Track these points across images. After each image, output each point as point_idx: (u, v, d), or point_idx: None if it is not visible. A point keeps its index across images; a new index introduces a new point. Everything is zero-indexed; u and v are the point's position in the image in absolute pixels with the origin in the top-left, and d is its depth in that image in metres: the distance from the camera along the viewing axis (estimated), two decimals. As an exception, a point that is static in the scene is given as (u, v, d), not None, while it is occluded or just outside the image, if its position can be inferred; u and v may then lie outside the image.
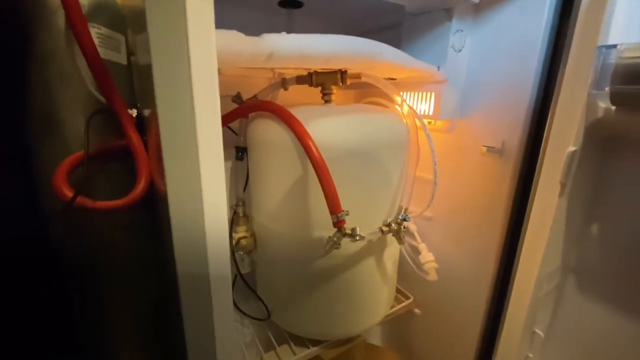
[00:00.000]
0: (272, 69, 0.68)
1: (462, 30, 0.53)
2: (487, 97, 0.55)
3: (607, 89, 0.34)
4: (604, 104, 0.37)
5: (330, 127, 0.47)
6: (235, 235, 0.58)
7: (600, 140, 0.40)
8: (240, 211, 0.59)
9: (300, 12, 0.65)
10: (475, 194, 0.58)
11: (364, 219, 0.49)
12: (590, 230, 0.44)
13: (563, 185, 0.41)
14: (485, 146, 0.55)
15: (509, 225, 0.54)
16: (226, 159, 0.61)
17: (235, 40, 0.34)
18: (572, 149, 0.40)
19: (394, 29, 0.63)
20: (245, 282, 0.58)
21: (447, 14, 0.52)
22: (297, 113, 0.47)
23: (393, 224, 0.48)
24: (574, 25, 0.42)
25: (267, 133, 0.50)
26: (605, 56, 0.34)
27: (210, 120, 0.27)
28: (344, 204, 0.44)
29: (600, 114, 0.38)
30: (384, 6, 0.57)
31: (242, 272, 0.58)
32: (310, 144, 0.43)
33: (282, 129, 0.48)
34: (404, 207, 0.51)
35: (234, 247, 0.57)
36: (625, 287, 0.44)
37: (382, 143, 0.50)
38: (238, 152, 0.58)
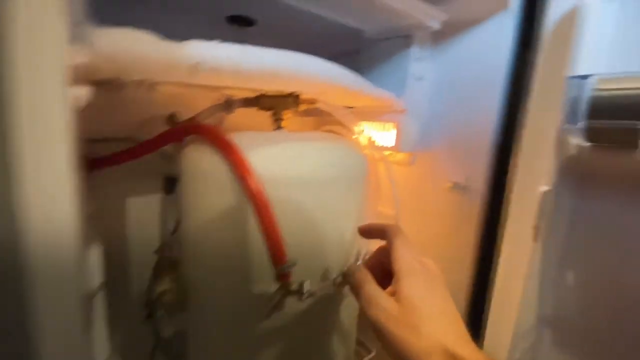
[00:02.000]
0: (217, 88, 0.61)
1: (422, 59, 0.50)
2: (450, 129, 0.51)
3: (581, 124, 0.31)
4: (577, 141, 0.34)
5: (276, 156, 0.40)
6: (157, 288, 0.46)
7: (575, 179, 0.36)
8: (165, 257, 0.48)
9: (253, 32, 0.60)
10: (441, 233, 0.52)
11: (316, 267, 0.40)
12: (565, 278, 0.40)
13: (537, 229, 0.37)
14: (451, 182, 0.50)
15: (477, 271, 0.49)
16: (154, 191, 0.51)
17: (144, 43, 0.26)
18: (545, 188, 0.36)
19: (355, 56, 0.59)
20: (166, 353, 0.46)
21: (406, 41, 0.49)
22: (238, 139, 0.39)
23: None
24: (538, 54, 0.40)
25: (201, 161, 0.41)
26: (579, 88, 0.31)
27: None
28: (292, 250, 0.36)
29: (573, 151, 0.35)
30: (343, 30, 0.53)
31: (164, 335, 0.46)
32: (248, 176, 0.35)
33: (219, 157, 0.39)
34: (364, 251, 0.44)
35: (154, 304, 0.45)
36: (607, 342, 0.39)
37: (337, 176, 0.43)
38: (167, 183, 0.48)
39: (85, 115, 0.45)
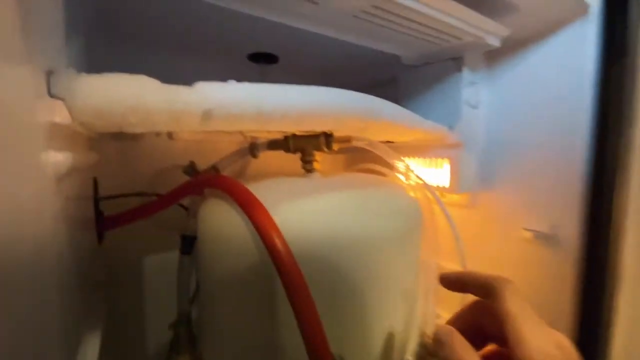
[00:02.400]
0: (241, 132, 0.56)
1: (475, 82, 0.42)
2: (519, 164, 0.41)
3: None
4: None
5: (311, 211, 0.32)
6: (173, 372, 0.38)
7: None
8: (182, 331, 0.40)
9: (276, 69, 0.55)
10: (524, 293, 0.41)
11: (368, 357, 0.31)
12: None
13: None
14: (529, 230, 0.40)
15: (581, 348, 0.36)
16: (172, 248, 0.45)
17: (142, 90, 0.20)
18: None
19: (389, 85, 0.52)
20: None
21: (456, 63, 0.42)
22: (264, 190, 0.32)
23: (414, 368, 0.30)
24: (635, 69, 0.31)
25: (218, 220, 0.35)
26: None
27: None
28: (335, 338, 0.27)
29: None
30: (376, 58, 0.47)
31: None
32: (278, 244, 0.27)
33: (240, 215, 0.32)
34: (425, 331, 0.34)
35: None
36: None
37: (388, 229, 0.34)
38: (185, 242, 0.42)
39: (94, 171, 0.41)
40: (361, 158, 0.61)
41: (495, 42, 0.36)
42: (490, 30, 0.34)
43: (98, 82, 0.19)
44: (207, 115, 0.23)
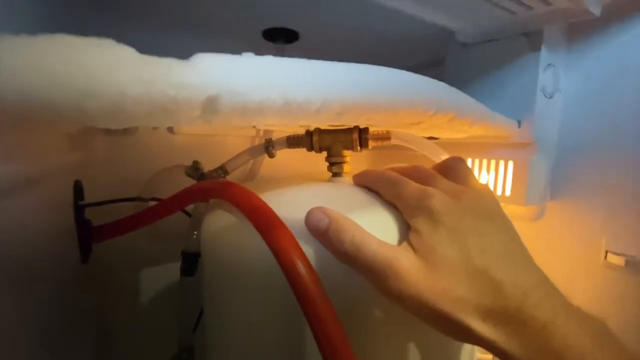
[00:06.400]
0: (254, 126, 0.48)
1: (553, 65, 0.33)
2: (606, 169, 0.33)
3: None
4: None
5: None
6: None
7: None
8: (184, 368, 0.33)
9: (295, 48, 0.47)
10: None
11: None
12: None
13: None
14: (616, 254, 0.31)
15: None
16: (172, 261, 0.37)
17: (108, 61, 0.12)
18: None
19: (433, 69, 0.43)
20: None
21: (530, 40, 0.33)
22: (283, 201, 0.25)
23: None
24: None
25: (230, 240, 0.27)
26: None
27: None
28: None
29: None
30: (420, 34, 0.38)
31: None
32: (304, 277, 0.20)
33: (253, 234, 0.24)
34: None
35: None
36: None
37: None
38: (186, 261, 0.34)
39: (77, 172, 0.34)
40: (392, 156, 0.53)
41: (595, 10, 0.27)
42: (597, -8, 0.25)
43: (31, 48, 0.11)
44: (210, 105, 0.16)
